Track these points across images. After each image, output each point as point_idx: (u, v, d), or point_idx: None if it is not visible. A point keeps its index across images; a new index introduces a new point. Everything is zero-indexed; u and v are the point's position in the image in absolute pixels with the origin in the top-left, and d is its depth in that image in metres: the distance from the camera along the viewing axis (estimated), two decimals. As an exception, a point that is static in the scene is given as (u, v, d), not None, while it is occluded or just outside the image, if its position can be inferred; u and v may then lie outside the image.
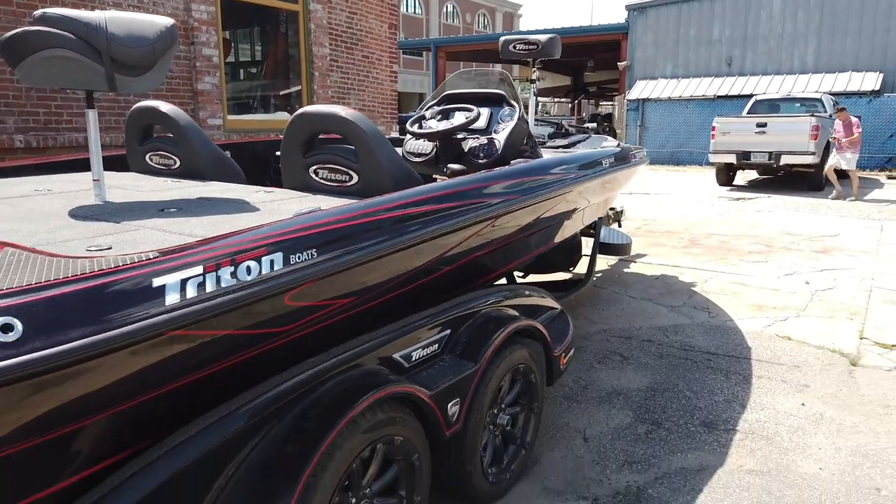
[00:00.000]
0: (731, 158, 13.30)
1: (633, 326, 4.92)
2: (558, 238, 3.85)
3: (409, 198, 2.29)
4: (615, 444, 3.18)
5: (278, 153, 4.43)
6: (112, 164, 3.62)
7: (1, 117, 5.90)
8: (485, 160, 3.45)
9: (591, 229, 5.67)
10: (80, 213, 2.22)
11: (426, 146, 3.69)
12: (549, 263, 5.09)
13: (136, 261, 1.51)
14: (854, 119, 11.91)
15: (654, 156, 20.94)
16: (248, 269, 1.67)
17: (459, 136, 3.51)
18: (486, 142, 3.48)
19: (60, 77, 2.25)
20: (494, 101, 3.69)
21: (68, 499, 1.53)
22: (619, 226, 6.70)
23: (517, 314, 2.83)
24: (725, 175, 14.14)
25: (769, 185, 14.17)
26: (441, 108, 3.67)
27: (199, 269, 1.57)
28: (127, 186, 2.89)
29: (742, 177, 15.41)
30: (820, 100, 14.39)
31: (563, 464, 3.01)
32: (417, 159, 3.71)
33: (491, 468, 2.71)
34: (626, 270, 6.59)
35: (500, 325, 2.63)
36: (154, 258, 1.54)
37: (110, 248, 1.71)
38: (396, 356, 2.28)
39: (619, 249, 5.67)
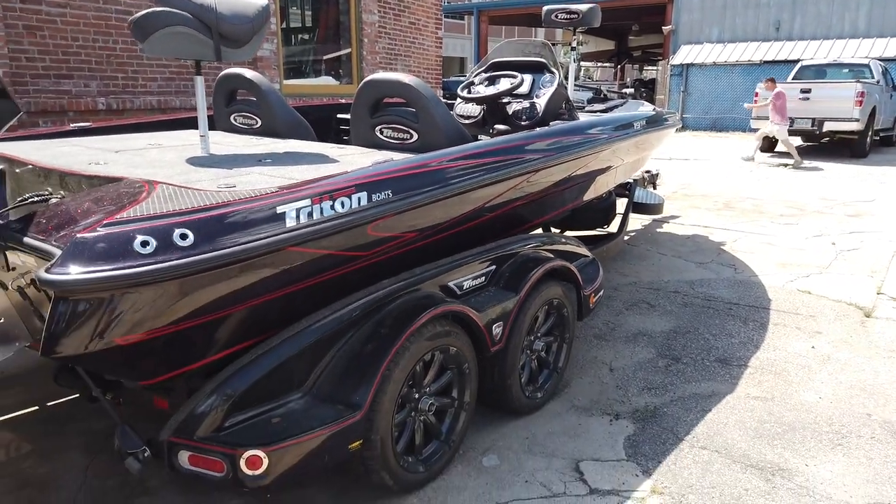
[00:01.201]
0: (774, 125, 13.29)
1: (662, 279, 5.31)
2: (591, 194, 4.25)
3: (461, 153, 2.73)
4: (637, 374, 3.63)
5: (339, 115, 4.91)
6: (189, 124, 4.13)
7: (86, 81, 6.50)
8: (527, 122, 3.86)
9: (626, 190, 6.04)
10: (194, 162, 2.72)
11: (474, 109, 4.11)
12: (586, 221, 5.49)
13: (263, 193, 2.00)
14: (780, 89, 12.29)
15: (697, 122, 20.84)
16: (343, 203, 2.16)
17: (504, 101, 3.92)
18: (528, 105, 3.88)
19: (178, 49, 2.74)
20: (536, 68, 4.07)
21: (213, 370, 2.06)
22: (654, 188, 7.03)
23: (553, 257, 3.27)
24: (768, 141, 14.12)
25: (812, 152, 14.12)
26: (488, 74, 4.07)
27: (307, 202, 2.05)
28: (221, 142, 3.39)
29: (785, 143, 15.36)
30: (868, 66, 14.19)
31: (590, 388, 3.47)
32: (466, 121, 4.13)
33: (528, 386, 3.18)
34: (658, 230, 6.94)
35: (537, 263, 3.08)
36: (275, 191, 2.03)
37: (235, 186, 2.20)
38: (451, 284, 2.76)
39: (651, 209, 6.03)
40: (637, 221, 7.14)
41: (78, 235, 1.69)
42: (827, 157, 13.24)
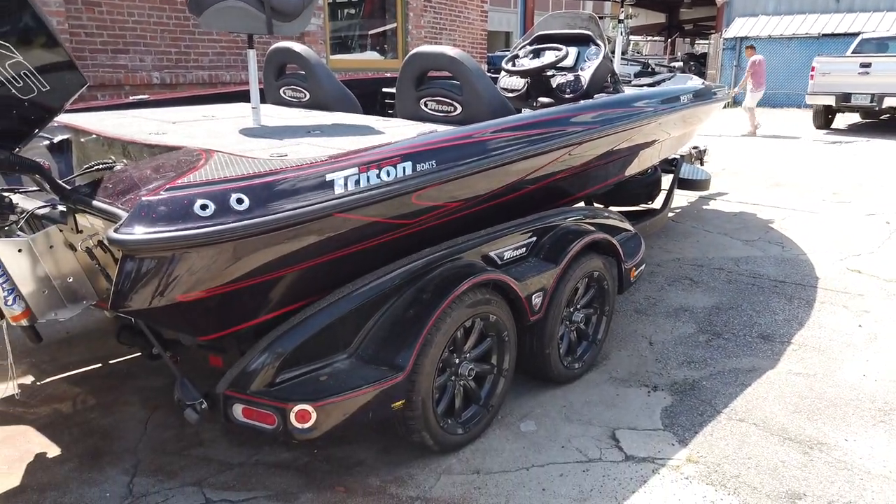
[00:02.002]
0: (830, 100, 12.86)
1: (706, 256, 5.27)
2: (635, 168, 4.24)
3: (504, 125, 2.77)
4: (677, 348, 3.64)
5: (385, 89, 4.98)
6: (238, 97, 4.25)
7: (141, 56, 6.71)
8: (570, 95, 3.86)
9: (672, 166, 5.97)
10: (247, 133, 2.83)
11: (518, 82, 4.12)
12: (630, 197, 5.47)
13: (313, 161, 2.09)
14: (757, 58, 12.46)
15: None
16: (388, 173, 2.23)
17: (548, 74, 3.92)
18: (572, 78, 3.88)
19: (231, 23, 2.83)
20: (582, 41, 4.06)
21: (267, 329, 2.18)
22: (702, 164, 6.92)
23: (594, 230, 3.30)
24: (823, 118, 13.68)
25: (870, 130, 13.62)
26: (533, 47, 4.07)
27: (355, 170, 2.14)
28: (271, 114, 3.50)
29: (842, 120, 14.84)
30: (934, 38, 13.55)
31: (628, 360, 3.51)
32: (510, 94, 4.15)
33: (566, 357, 3.23)
34: (704, 207, 6.85)
35: (578, 236, 3.11)
36: (324, 160, 2.12)
37: (287, 155, 2.29)
38: (492, 254, 2.82)
39: (697, 185, 5.95)
40: (683, 198, 7.06)
41: (143, 198, 1.81)
42: (887, 135, 12.75)
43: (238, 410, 2.14)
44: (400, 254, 2.48)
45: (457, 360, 2.62)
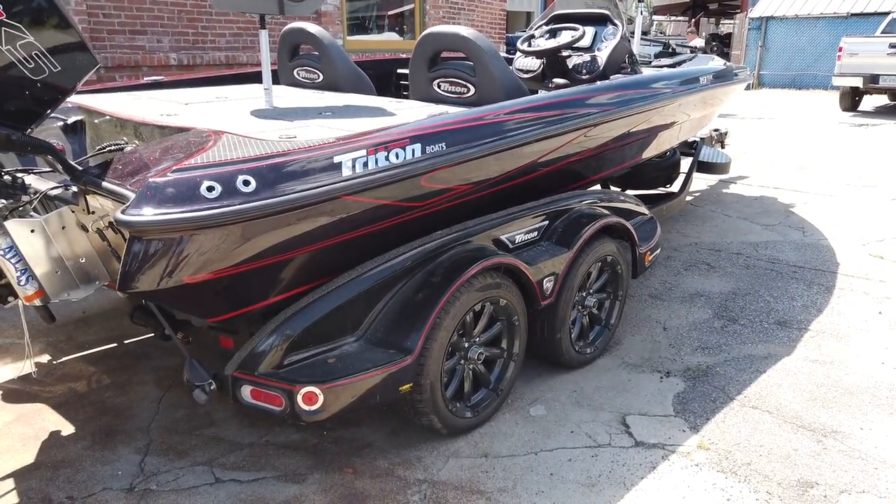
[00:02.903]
0: (857, 82, 12.55)
1: (725, 241, 5.19)
2: (653, 151, 4.17)
3: (517, 106, 2.73)
4: (691, 334, 3.60)
5: (399, 70, 4.94)
6: (252, 78, 4.24)
7: (158, 37, 6.72)
8: (587, 76, 3.80)
9: (692, 148, 5.87)
10: (259, 114, 2.82)
11: (534, 63, 4.06)
12: (649, 180, 5.40)
13: (321, 143, 2.08)
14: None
15: (775, 79, 19.84)
16: (397, 155, 2.21)
17: (564, 54, 3.86)
18: (588, 59, 3.81)
19: (244, 3, 2.82)
20: (599, 21, 3.98)
21: (275, 311, 2.19)
22: (723, 147, 6.81)
23: (608, 213, 3.25)
24: (850, 100, 13.37)
25: (898, 112, 13.31)
26: (549, 27, 4.01)
27: (363, 153, 2.12)
28: (284, 96, 3.49)
29: (869, 102, 14.50)
30: (968, 17, 13.14)
31: (642, 346, 3.48)
32: (526, 75, 4.10)
33: (578, 341, 3.21)
34: (724, 191, 6.74)
35: (591, 219, 3.08)
36: (332, 142, 2.10)
37: (296, 137, 2.28)
38: (503, 237, 2.80)
39: (717, 168, 5.85)
40: (703, 181, 6.96)
41: (150, 180, 1.81)
42: (915, 117, 12.45)
43: (246, 392, 2.15)
44: (410, 237, 2.47)
45: (466, 344, 2.61)
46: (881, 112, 13.36)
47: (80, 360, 3.24)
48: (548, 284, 2.86)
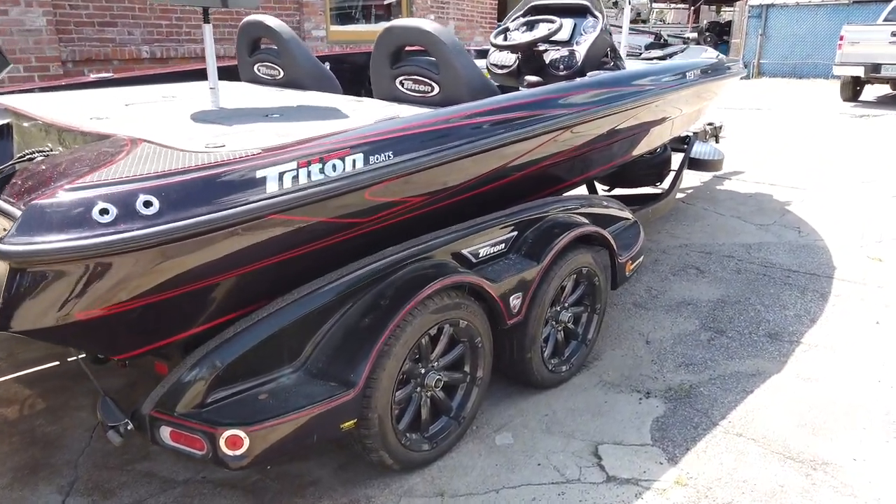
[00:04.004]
0: (859, 71, 12.24)
1: (716, 242, 4.96)
2: (640, 149, 3.92)
3: (479, 108, 2.49)
4: (675, 348, 3.37)
5: None
6: (227, 73, 4.00)
7: (129, 29, 6.45)
8: (564, 72, 3.55)
9: (684, 143, 5.62)
10: (199, 117, 2.58)
11: (509, 58, 3.81)
12: (638, 178, 5.15)
13: (243, 155, 1.84)
14: None
15: (775, 68, 19.50)
16: (334, 167, 1.97)
17: (541, 48, 3.60)
18: (566, 54, 3.56)
19: (182, -5, 2.57)
20: (579, 12, 3.73)
21: (196, 343, 1.96)
22: (717, 142, 6.56)
23: (585, 221, 3.02)
24: (851, 90, 13.07)
25: (900, 102, 13.02)
26: (526, 19, 3.75)
27: (293, 165, 1.88)
28: (237, 94, 3.24)
29: (871, 92, 14.19)
30: (973, 4, 12.81)
31: (622, 361, 3.25)
32: (500, 71, 3.85)
33: (551, 359, 2.99)
34: (718, 187, 6.50)
35: (564, 229, 2.84)
36: (257, 153, 1.86)
37: (224, 146, 2.04)
38: (465, 252, 2.56)
39: (709, 165, 5.60)
40: (695, 177, 6.70)
41: (34, 201, 1.57)
42: (917, 108, 12.16)
43: (166, 433, 1.93)
44: (356, 255, 2.23)
45: (422, 370, 2.39)
46: (883, 102, 13.07)
47: (17, 382, 3.02)
48: (515, 302, 2.63)
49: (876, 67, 12.01)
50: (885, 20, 12.87)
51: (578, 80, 3.03)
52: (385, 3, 9.38)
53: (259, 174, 1.81)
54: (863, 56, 12.15)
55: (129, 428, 1.93)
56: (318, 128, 2.36)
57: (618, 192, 5.53)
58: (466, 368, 2.56)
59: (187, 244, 1.69)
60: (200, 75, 4.03)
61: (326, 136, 2.05)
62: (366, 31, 8.99)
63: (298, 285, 2.10)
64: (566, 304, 3.03)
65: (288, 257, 2.02)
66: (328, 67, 4.52)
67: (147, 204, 1.62)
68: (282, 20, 7.89)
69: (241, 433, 1.86)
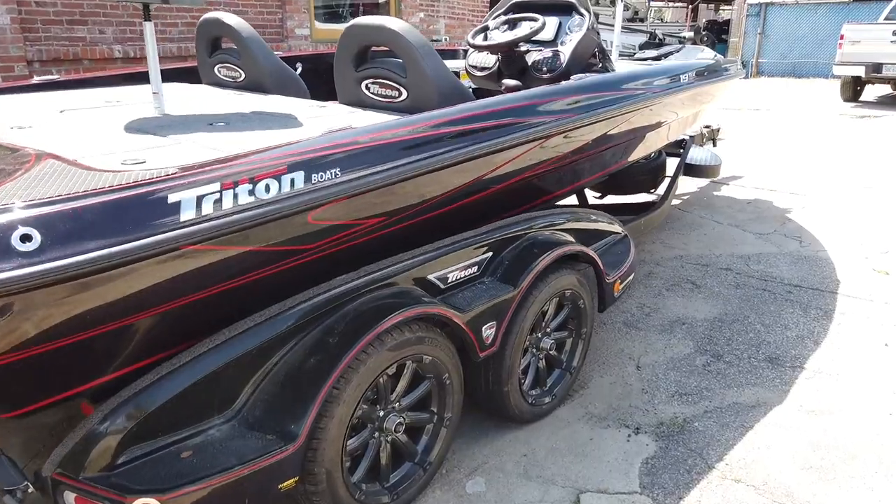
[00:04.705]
0: (859, 71, 11.97)
1: (713, 253, 4.69)
2: (629, 158, 3.65)
3: (443, 117, 2.22)
4: (668, 375, 3.10)
5: None
6: (191, 75, 3.73)
7: (100, 27, 6.17)
8: (548, 75, 3.27)
9: (680, 147, 5.36)
10: (133, 127, 2.31)
11: (489, 59, 3.53)
12: (631, 184, 4.88)
13: (155, 176, 1.57)
14: None
15: (774, 67, 19.25)
16: (267, 188, 1.70)
17: (522, 49, 3.33)
18: (550, 55, 3.28)
19: (115, -10, 2.29)
20: (564, 10, 3.45)
21: (105, 394, 1.68)
22: (715, 145, 6.29)
23: (568, 238, 2.75)
24: (852, 90, 12.80)
25: (902, 102, 12.76)
26: (507, 17, 3.48)
27: (215, 187, 1.61)
28: (190, 98, 2.97)
29: (871, 92, 13.93)
30: (976, 3, 12.55)
31: (610, 390, 2.98)
32: (480, 73, 3.57)
33: (532, 390, 2.72)
34: (715, 193, 6.23)
35: (544, 249, 2.57)
36: (173, 174, 1.59)
37: (144, 163, 1.77)
38: (432, 277, 2.28)
39: (705, 171, 5.33)
40: (692, 183, 6.43)
41: None
42: (919, 108, 11.90)
43: (70, 499, 1.65)
44: (299, 287, 1.96)
45: (380, 413, 2.11)
46: (884, 103, 12.81)
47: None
48: (488, 332, 2.36)
49: (877, 67, 11.75)
50: (887, 19, 12.61)
51: (562, 84, 2.75)
52: (370, 0, 9.10)
53: (172, 198, 1.54)
54: (864, 56, 11.88)
55: (28, 491, 1.66)
56: (261, 139, 2.09)
57: (610, 199, 5.26)
58: (433, 408, 2.29)
59: (75, 285, 1.42)
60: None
61: (261, 151, 1.77)
62: (352, 30, 8.71)
63: (231, 323, 1.82)
64: (548, 330, 2.76)
65: (216, 292, 1.75)
66: (302, 68, 4.25)
67: (25, 238, 1.34)
68: (263, 18, 7.58)
69: (154, 502, 1.58)
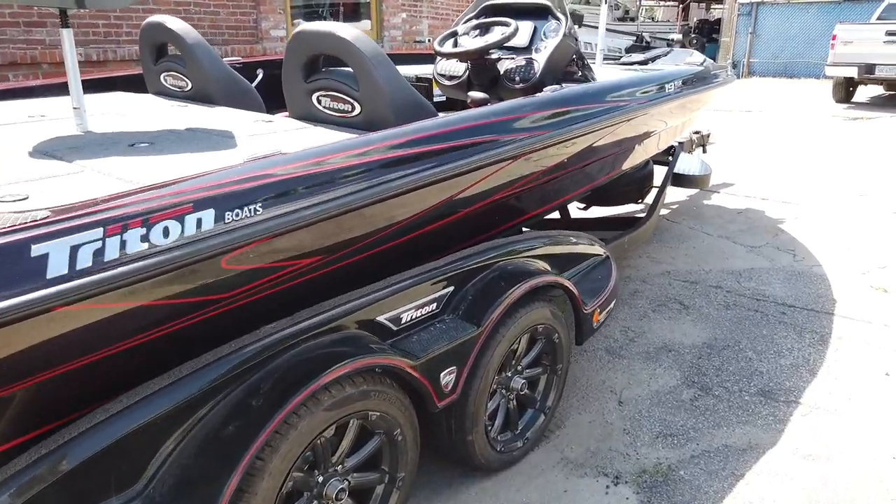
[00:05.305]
0: (852, 72, 11.77)
1: (702, 269, 4.44)
2: (610, 173, 3.40)
3: (390, 139, 1.95)
4: (653, 411, 2.85)
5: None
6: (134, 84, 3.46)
7: (60, 30, 5.86)
8: (521, 85, 3.01)
9: (669, 155, 5.11)
10: (42, 149, 2.03)
11: (459, 67, 3.27)
12: (615, 196, 4.64)
13: (19, 222, 1.29)
14: None
15: (766, 67, 19.07)
16: (166, 231, 1.43)
17: (493, 57, 3.06)
18: (523, 63, 3.02)
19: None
20: (540, 14, 3.19)
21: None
22: (704, 152, 6.04)
23: (541, 267, 2.49)
24: (844, 91, 12.60)
25: (894, 103, 12.56)
26: (478, 21, 3.21)
27: (96, 234, 1.33)
28: (125, 112, 2.69)
29: (864, 93, 13.74)
30: (969, 3, 12.37)
31: (589, 430, 2.72)
32: (449, 82, 3.30)
33: (502, 435, 2.47)
34: (705, 202, 5.98)
35: (513, 282, 2.30)
36: (42, 219, 1.31)
37: (26, 199, 1.50)
38: (382, 318, 2.01)
39: (694, 182, 5.09)
40: (682, 191, 6.18)
41: None
42: (912, 110, 11.71)
43: None
44: (218, 341, 1.68)
45: (319, 479, 1.85)
46: (877, 104, 12.62)
47: None
48: (448, 378, 2.10)
49: (870, 68, 11.55)
50: (879, 18, 12.41)
51: (531, 98, 2.48)
52: (350, 1, 8.82)
53: (37, 250, 1.26)
54: (856, 56, 11.68)
55: None
56: (181, 166, 1.82)
57: (595, 211, 5.02)
58: (384, 466, 2.03)
59: None
60: (105, 86, 3.48)
61: (161, 186, 1.50)
62: (332, 31, 8.41)
63: (131, 387, 1.55)
64: (519, 368, 2.50)
65: (109, 355, 1.47)
66: (262, 75, 3.96)
67: None
68: (236, 19, 7.27)
69: None
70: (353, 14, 8.99)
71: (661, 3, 38.18)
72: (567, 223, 4.44)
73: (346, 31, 2.30)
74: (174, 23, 2.96)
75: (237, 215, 1.53)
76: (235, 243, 1.53)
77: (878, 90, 13.99)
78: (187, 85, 3.06)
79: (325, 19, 8.92)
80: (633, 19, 26.25)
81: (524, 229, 3.02)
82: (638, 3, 29.02)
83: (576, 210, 4.88)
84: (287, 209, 1.63)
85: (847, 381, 3.09)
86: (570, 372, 3.09)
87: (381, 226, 1.97)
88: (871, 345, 3.43)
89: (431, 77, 3.72)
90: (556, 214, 4.48)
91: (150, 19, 3.07)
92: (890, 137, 9.07)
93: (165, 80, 3.19)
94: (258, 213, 1.56)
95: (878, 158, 7.71)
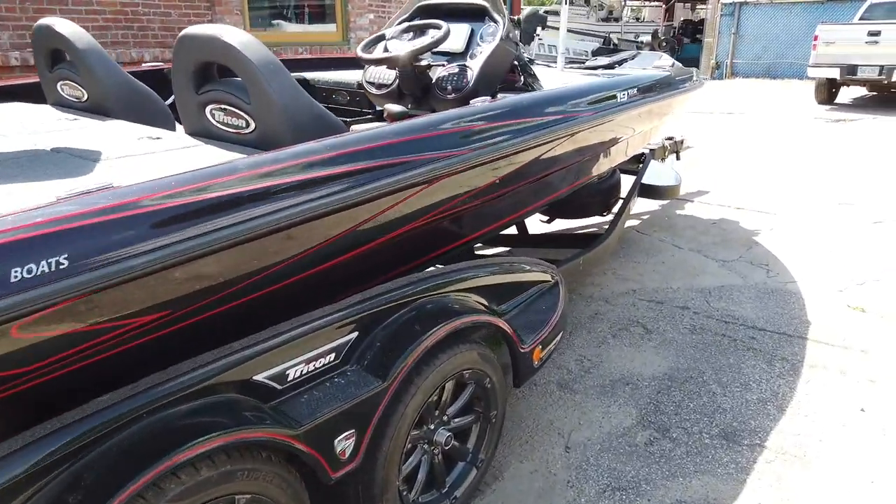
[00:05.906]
0: (834, 73, 11.57)
1: (670, 287, 4.15)
2: (558, 191, 3.09)
3: (258, 167, 1.63)
4: (601, 459, 2.55)
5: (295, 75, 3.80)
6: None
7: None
8: (453, 95, 2.70)
9: (639, 163, 4.83)
10: None
11: (389, 75, 2.95)
12: (579, 207, 4.35)
13: None
14: None
15: (749, 68, 18.91)
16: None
17: (424, 63, 2.74)
18: (456, 70, 2.71)
19: None
20: (477, 15, 2.88)
21: None
22: (678, 159, 5.76)
23: (466, 304, 2.18)
24: (826, 92, 12.40)
25: (877, 105, 12.37)
26: (410, 24, 2.90)
27: None
28: (3, 126, 2.36)
29: (846, 94, 13.56)
30: (951, 3, 12.19)
31: (529, 482, 2.42)
32: (378, 91, 2.99)
33: (425, 494, 2.16)
34: (678, 212, 5.70)
35: (430, 323, 1.99)
36: None
37: None
38: (262, 377, 1.69)
39: (662, 192, 4.80)
40: (654, 201, 5.90)
41: None
42: (895, 110, 11.51)
43: None
44: (28, 423, 1.36)
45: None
46: (859, 105, 12.43)
47: None
48: (345, 444, 1.78)
49: (852, 69, 11.36)
50: (861, 19, 12.22)
51: (453, 111, 2.16)
52: (314, 1, 8.47)
53: None
54: (838, 57, 11.49)
55: None
56: (26, 199, 1.49)
57: (558, 224, 4.73)
58: (265, 552, 1.71)
59: None
60: (15, 95, 3.15)
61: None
62: (293, 34, 8.08)
63: None
64: (445, 419, 2.19)
65: None
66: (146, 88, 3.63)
67: None
68: (189, 20, 6.90)
69: None
70: (318, 16, 8.65)
71: (646, 3, 38.04)
72: (523, 239, 4.14)
73: (234, 35, 1.98)
74: (64, 25, 2.63)
75: (30, 271, 1.21)
76: (29, 306, 1.21)
77: (861, 91, 13.83)
78: (83, 95, 2.74)
79: (288, 20, 8.58)
80: (617, 20, 26.03)
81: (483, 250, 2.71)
82: (623, 3, 28.76)
83: (539, 222, 4.58)
84: (104, 260, 1.31)
85: (818, 419, 2.81)
86: (516, 411, 2.80)
87: (248, 270, 1.66)
88: (847, 375, 3.15)
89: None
90: (513, 230, 4.19)
91: (41, 22, 2.74)
92: (872, 140, 8.85)
93: (62, 90, 2.86)
94: (60, 266, 1.24)
95: (859, 163, 7.47)
